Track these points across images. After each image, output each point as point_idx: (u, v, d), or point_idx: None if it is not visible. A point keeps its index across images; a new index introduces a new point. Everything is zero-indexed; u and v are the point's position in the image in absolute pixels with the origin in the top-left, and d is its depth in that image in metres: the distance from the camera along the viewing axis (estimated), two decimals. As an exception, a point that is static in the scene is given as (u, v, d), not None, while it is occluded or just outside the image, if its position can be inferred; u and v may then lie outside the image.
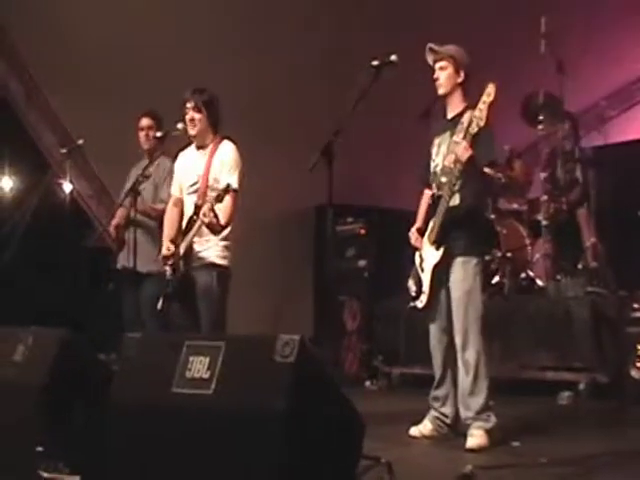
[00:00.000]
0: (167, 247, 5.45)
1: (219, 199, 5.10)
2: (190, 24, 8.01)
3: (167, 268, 5.40)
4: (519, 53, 8.42)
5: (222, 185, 5.23)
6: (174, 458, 3.16)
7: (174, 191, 5.73)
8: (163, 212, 5.91)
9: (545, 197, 8.00)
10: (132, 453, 3.36)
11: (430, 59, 5.21)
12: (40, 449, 3.78)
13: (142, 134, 6.65)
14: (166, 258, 5.41)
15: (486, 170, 5.04)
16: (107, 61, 7.97)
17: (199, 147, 5.58)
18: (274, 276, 9.62)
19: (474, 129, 4.86)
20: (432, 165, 5.30)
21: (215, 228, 5.22)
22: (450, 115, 5.27)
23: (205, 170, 5.44)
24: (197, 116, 5.48)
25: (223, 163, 5.42)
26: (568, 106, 8.07)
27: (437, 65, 5.18)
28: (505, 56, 8.48)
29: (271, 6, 8.02)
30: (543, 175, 8.09)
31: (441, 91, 5.21)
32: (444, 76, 5.16)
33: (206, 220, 5.12)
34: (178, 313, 5.48)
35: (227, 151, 5.47)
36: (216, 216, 5.13)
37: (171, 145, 6.00)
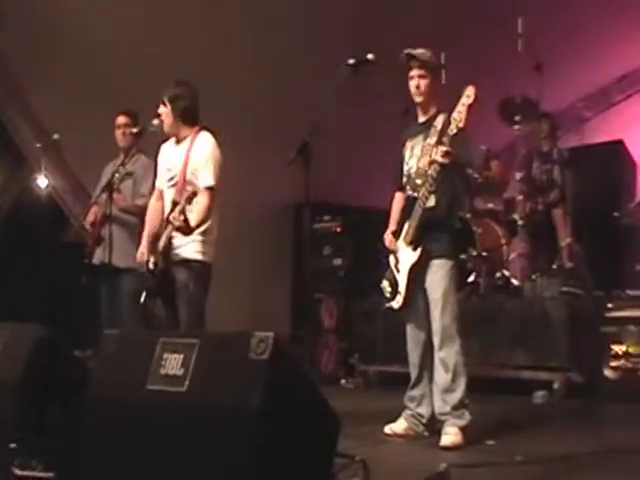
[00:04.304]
0: (141, 252, 5.46)
1: (189, 201, 5.07)
2: (174, 22, 7.97)
3: (146, 265, 5.40)
4: (497, 53, 8.45)
5: (200, 184, 5.24)
6: (148, 455, 3.15)
7: (157, 184, 5.69)
8: (144, 208, 5.88)
9: (521, 197, 8.05)
10: (106, 450, 3.34)
11: (410, 64, 5.13)
12: (14, 446, 3.76)
13: (119, 132, 6.65)
14: (141, 263, 5.43)
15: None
16: (86, 57, 7.92)
17: (177, 140, 5.54)
18: (251, 273, 9.61)
19: (453, 130, 4.83)
20: (405, 168, 5.29)
21: (184, 230, 5.16)
22: (422, 119, 5.28)
23: (183, 164, 5.39)
24: (162, 110, 5.47)
25: (199, 157, 5.36)
26: (545, 106, 8.11)
27: (416, 72, 5.13)
28: (483, 55, 8.50)
29: (259, 7, 8.00)
30: (519, 175, 8.14)
31: (421, 99, 5.18)
32: (425, 84, 5.13)
33: (176, 224, 5.09)
34: (158, 309, 5.46)
35: (204, 144, 5.41)
36: (186, 220, 5.09)
37: (147, 142, 5.97)
